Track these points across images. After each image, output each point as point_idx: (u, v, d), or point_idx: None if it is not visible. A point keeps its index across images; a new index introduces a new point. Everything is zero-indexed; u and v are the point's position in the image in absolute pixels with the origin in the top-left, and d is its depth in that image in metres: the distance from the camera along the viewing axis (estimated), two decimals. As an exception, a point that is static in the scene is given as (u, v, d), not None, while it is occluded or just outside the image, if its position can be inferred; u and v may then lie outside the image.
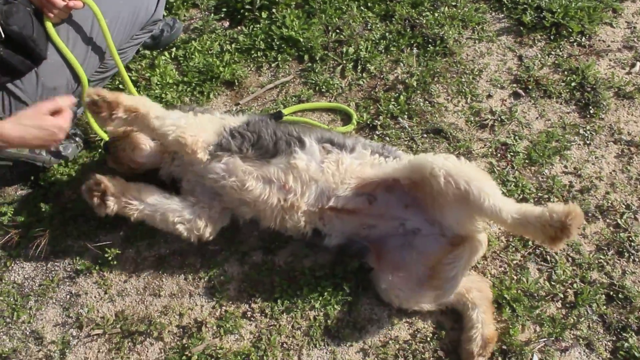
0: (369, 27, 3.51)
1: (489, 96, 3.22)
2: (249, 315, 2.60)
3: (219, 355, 2.48)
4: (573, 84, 3.21)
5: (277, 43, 3.41)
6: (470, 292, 2.51)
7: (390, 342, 2.52)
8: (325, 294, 2.61)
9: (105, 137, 2.95)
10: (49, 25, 2.66)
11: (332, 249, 2.65)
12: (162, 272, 2.74)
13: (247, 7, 3.54)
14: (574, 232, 2.15)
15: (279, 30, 3.43)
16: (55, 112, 2.42)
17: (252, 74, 3.38)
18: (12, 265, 2.78)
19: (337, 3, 3.56)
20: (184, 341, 2.55)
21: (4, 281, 2.75)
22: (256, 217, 2.65)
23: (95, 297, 2.69)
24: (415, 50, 3.38)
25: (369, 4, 3.58)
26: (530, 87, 3.22)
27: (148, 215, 2.62)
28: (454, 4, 3.60)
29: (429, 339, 2.51)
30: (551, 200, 2.82)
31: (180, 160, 2.73)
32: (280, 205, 2.53)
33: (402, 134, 3.07)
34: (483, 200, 2.22)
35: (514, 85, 3.26)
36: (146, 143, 2.80)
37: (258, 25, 3.51)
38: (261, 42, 3.42)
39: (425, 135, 3.07)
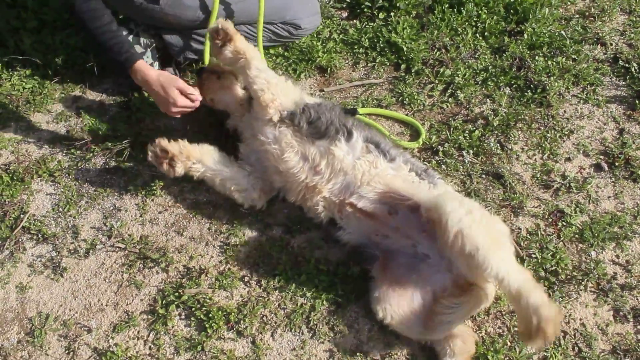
0: (476, 56, 3.44)
1: (568, 159, 3.03)
2: (246, 280, 2.75)
3: (205, 304, 2.65)
4: (666, 176, 2.93)
5: (382, 45, 3.47)
6: (455, 339, 2.44)
7: (359, 355, 2.53)
8: (320, 287, 2.67)
9: (206, 63, 3.21)
10: None
11: (343, 244, 2.71)
12: (192, 215, 2.96)
13: (368, 4, 3.62)
14: (540, 342, 2.06)
15: (388, 33, 3.48)
16: (183, 93, 2.84)
17: (347, 67, 3.47)
18: (82, 166, 3.16)
19: (455, 24, 3.53)
20: (183, 281, 2.75)
21: (71, 177, 3.13)
22: (284, 189, 2.81)
23: (131, 216, 2.98)
24: (508, 91, 3.27)
25: (486, 34, 3.50)
26: (617, 164, 2.98)
27: (209, 178, 2.86)
28: (574, 56, 3.40)
29: (395, 366, 2.49)
30: (583, 283, 2.62)
31: (249, 117, 2.92)
32: (305, 183, 2.66)
33: (461, 167, 3.00)
34: (486, 267, 2.15)
35: (601, 157, 3.03)
36: (235, 90, 3.02)
37: (372, 24, 3.59)
38: (367, 40, 3.50)
39: (483, 176, 2.98)
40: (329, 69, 3.43)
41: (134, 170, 3.12)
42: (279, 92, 2.70)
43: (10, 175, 3.10)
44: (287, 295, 2.69)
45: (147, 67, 2.88)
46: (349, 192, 2.60)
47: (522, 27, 3.52)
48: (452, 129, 3.14)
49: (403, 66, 3.41)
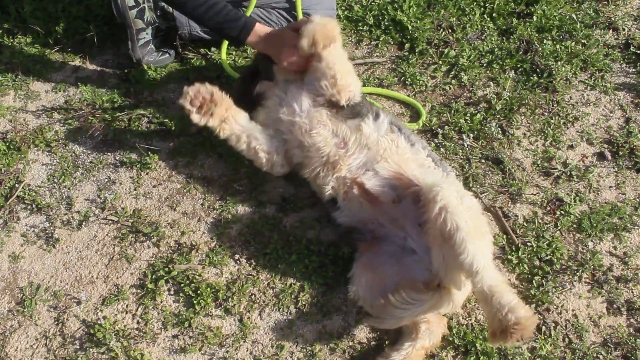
0: (482, 37, 3.35)
1: (571, 147, 2.96)
2: (236, 258, 2.73)
3: (194, 280, 2.64)
4: (672, 167, 2.86)
5: (386, 24, 3.39)
6: (420, 322, 2.41)
7: (345, 336, 2.51)
8: (310, 268, 2.65)
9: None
10: None
11: (337, 225, 2.68)
12: (186, 190, 2.94)
13: (373, -20, 3.55)
14: (511, 342, 2.03)
15: (393, 11, 3.40)
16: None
17: (350, 44, 3.41)
18: (79, 137, 3.14)
19: (463, 3, 3.43)
20: (174, 256, 2.74)
21: (67, 147, 3.12)
22: (300, 163, 2.74)
23: (125, 189, 2.97)
24: (513, 74, 3.19)
25: (494, 15, 3.41)
26: (621, 153, 2.91)
27: (236, 135, 2.75)
28: (583, 41, 3.30)
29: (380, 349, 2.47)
30: (577, 274, 2.57)
31: (289, 85, 2.80)
32: (326, 159, 2.62)
33: (460, 150, 2.95)
34: (462, 252, 2.11)
35: (605, 145, 2.96)
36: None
37: (377, 1, 3.50)
38: (372, 17, 3.43)
39: (482, 161, 2.92)
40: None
41: (130, 143, 3.10)
42: (354, 80, 2.66)
43: (7, 144, 3.09)
44: (277, 275, 2.67)
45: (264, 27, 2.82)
46: (364, 169, 2.58)
47: (532, 9, 3.42)
48: (453, 111, 3.08)
49: (407, 45, 3.34)
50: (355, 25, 3.45)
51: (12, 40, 3.47)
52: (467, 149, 2.95)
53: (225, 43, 3.25)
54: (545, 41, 3.28)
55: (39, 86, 3.35)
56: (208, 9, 2.74)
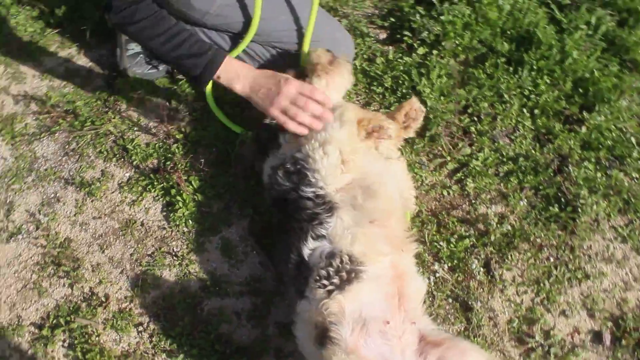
0: (512, 136, 2.74)
1: (564, 313, 2.38)
2: (140, 330, 2.47)
3: (89, 341, 2.42)
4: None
5: (404, 91, 2.85)
6: None
7: None
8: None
9: None
10: None
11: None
12: (122, 234, 2.67)
13: (408, 33, 2.98)
14: None
15: (417, 77, 2.84)
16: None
17: (357, 105, 2.91)
18: (44, 139, 2.93)
19: (504, 87, 2.80)
20: (82, 305, 2.52)
21: (30, 146, 2.92)
22: None
23: (66, 212, 2.75)
24: (530, 196, 2.59)
25: (536, 111, 2.76)
26: (625, 341, 2.29)
27: None
28: (636, 175, 2.62)
29: None
30: None
31: None
32: None
33: (431, 278, 2.45)
34: None
35: (609, 323, 2.35)
36: None
37: (405, 59, 2.94)
38: (390, 79, 2.89)
39: (450, 300, 2.42)
40: (335, 101, 2.88)
41: (88, 160, 2.85)
42: None
43: (-24, 128, 2.95)
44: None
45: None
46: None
47: (585, 116, 2.74)
48: (440, 226, 2.56)
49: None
50: (369, 83, 2.93)
51: (20, 10, 3.28)
52: (437, 279, 2.45)
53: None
54: (586, 163, 2.62)
55: (28, 69, 3.15)
56: (167, 41, 2.35)
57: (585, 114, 2.74)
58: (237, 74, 2.36)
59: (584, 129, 2.71)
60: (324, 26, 2.73)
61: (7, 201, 2.79)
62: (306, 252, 2.11)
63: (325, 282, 2.04)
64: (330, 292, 2.01)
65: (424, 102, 2.76)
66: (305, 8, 2.69)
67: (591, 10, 3.06)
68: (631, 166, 2.64)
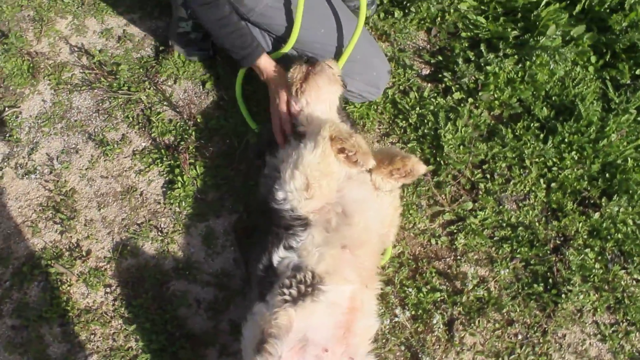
0: (520, 203, 2.63)
1: (516, 397, 2.27)
2: (107, 291, 2.60)
3: (60, 287, 2.57)
4: None
5: (426, 131, 2.79)
6: None
7: None
8: (154, 345, 2.42)
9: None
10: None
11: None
12: (120, 198, 2.79)
13: (449, 76, 2.92)
14: None
15: (443, 121, 2.76)
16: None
17: (375, 134, 2.88)
18: (83, 92, 3.10)
19: (527, 153, 2.69)
20: (65, 253, 2.66)
21: (69, 95, 3.08)
22: None
23: (80, 164, 2.90)
24: (517, 268, 2.49)
25: (553, 185, 2.64)
26: None
27: None
28: (637, 277, 2.45)
29: None
30: None
31: None
32: None
33: (387, 320, 2.41)
34: None
35: (558, 420, 2.23)
36: None
37: (439, 100, 2.87)
38: (416, 115, 2.84)
39: (402, 348, 2.38)
40: (355, 123, 2.87)
41: (115, 122, 2.99)
42: None
43: (31, 65, 3.15)
44: (124, 332, 2.49)
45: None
46: None
47: (602, 202, 2.59)
48: (417, 273, 2.50)
49: (430, 168, 2.74)
50: (395, 114, 2.90)
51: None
52: (396, 324, 2.40)
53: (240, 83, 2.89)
54: (587, 250, 2.49)
55: (92, 23, 3.33)
56: (221, 28, 2.58)
57: (604, 200, 2.60)
58: (264, 67, 2.63)
59: (596, 215, 2.57)
60: (363, 48, 2.74)
61: (34, 141, 2.98)
62: (276, 259, 2.15)
63: (285, 290, 2.06)
64: (286, 302, 2.03)
65: (440, 147, 2.72)
66: (349, 27, 2.72)
67: (649, 95, 2.89)
68: (637, 267, 2.48)
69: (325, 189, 2.13)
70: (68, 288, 2.58)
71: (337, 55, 2.74)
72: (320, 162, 2.11)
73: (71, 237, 2.71)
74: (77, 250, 2.67)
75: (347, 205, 2.19)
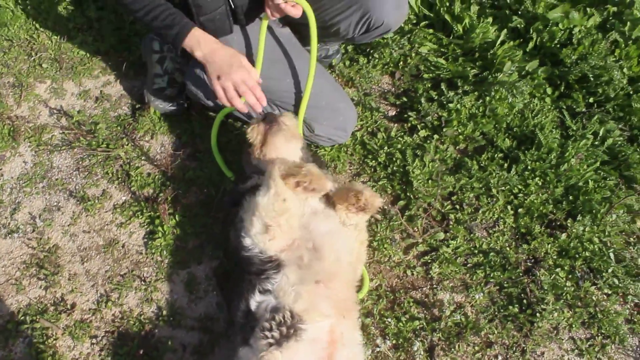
0: (490, 230, 2.74)
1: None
2: (93, 342, 2.61)
3: (45, 343, 2.58)
4: None
5: (395, 169, 2.91)
6: None
7: None
8: None
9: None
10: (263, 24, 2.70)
11: None
12: (103, 251, 2.84)
13: (414, 114, 3.07)
14: None
15: (411, 158, 2.91)
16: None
17: (346, 174, 3.00)
18: (63, 152, 3.19)
19: (493, 182, 2.82)
20: (50, 308, 2.69)
21: (49, 156, 3.18)
22: None
23: (62, 221, 2.96)
24: (493, 292, 2.56)
25: (520, 210, 2.75)
26: None
27: None
28: (607, 292, 2.55)
29: None
30: None
31: None
32: None
33: (368, 351, 2.45)
34: None
35: None
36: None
37: (407, 138, 3.03)
38: (384, 154, 2.97)
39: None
40: (327, 166, 3.00)
41: (95, 179, 3.08)
42: None
43: (11, 129, 3.25)
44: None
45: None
46: None
47: (568, 223, 2.71)
48: (395, 304, 2.57)
49: (401, 203, 2.85)
50: (365, 155, 3.03)
51: (78, 34, 3.64)
52: (378, 354, 2.45)
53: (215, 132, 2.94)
54: (558, 269, 2.59)
55: (70, 86, 3.47)
56: (146, 14, 2.61)
57: (569, 221, 2.71)
58: (197, 41, 2.59)
59: (564, 236, 2.68)
60: (327, 94, 2.88)
61: (17, 201, 3.05)
62: (253, 304, 2.20)
63: (267, 333, 2.10)
64: (270, 345, 2.08)
65: (409, 183, 2.84)
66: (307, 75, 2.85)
67: (603, 122, 3.06)
68: (606, 281, 2.58)
69: (285, 227, 2.19)
70: (54, 342, 2.59)
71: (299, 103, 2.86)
72: (274, 202, 2.17)
73: (55, 291, 2.75)
74: (61, 304, 2.71)
75: (317, 239, 2.26)
